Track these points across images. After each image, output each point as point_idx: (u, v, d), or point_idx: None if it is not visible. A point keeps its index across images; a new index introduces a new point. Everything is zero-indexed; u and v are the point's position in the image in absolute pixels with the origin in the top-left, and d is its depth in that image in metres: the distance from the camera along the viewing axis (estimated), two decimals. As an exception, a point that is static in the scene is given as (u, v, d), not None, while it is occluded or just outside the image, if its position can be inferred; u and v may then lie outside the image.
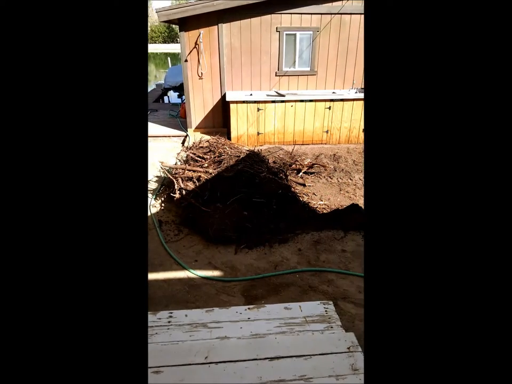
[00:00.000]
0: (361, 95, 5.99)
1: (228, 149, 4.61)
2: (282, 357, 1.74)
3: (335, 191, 4.55)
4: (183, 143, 6.29)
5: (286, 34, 6.16)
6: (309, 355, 1.76)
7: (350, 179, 4.92)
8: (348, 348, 1.81)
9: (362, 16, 6.11)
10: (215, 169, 4.12)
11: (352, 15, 6.12)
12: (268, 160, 4.79)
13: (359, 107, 6.06)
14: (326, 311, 2.17)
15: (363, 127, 6.13)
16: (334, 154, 5.73)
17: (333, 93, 6.24)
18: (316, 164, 5.18)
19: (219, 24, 5.91)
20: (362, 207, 3.75)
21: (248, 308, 2.17)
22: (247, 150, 4.80)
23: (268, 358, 1.73)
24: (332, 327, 2.03)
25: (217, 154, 4.43)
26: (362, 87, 6.59)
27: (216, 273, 2.81)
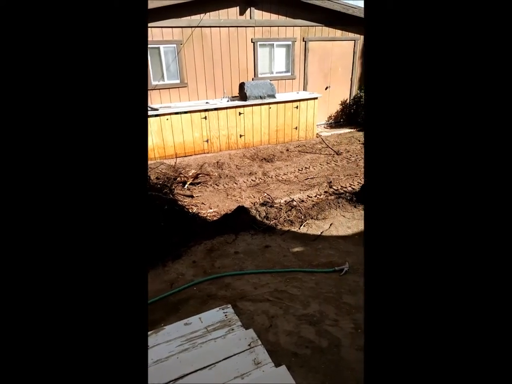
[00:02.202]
0: (234, 103, 6.32)
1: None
2: (187, 375, 1.71)
3: (223, 196, 4.68)
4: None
5: (149, 47, 6.05)
6: (213, 364, 1.77)
7: (235, 183, 5.13)
8: (249, 345, 1.89)
9: (222, 29, 6.45)
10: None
11: (211, 28, 6.39)
12: (150, 177, 4.62)
13: (233, 114, 6.38)
14: (225, 315, 2.22)
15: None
16: (217, 162, 5.88)
17: (206, 103, 6.40)
18: (201, 174, 5.23)
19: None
20: (250, 207, 3.96)
21: (145, 335, 2.04)
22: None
23: (171, 381, 1.67)
24: (233, 329, 2.08)
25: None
26: (234, 95, 6.95)
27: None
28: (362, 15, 7.39)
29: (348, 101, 8.41)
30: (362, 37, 7.87)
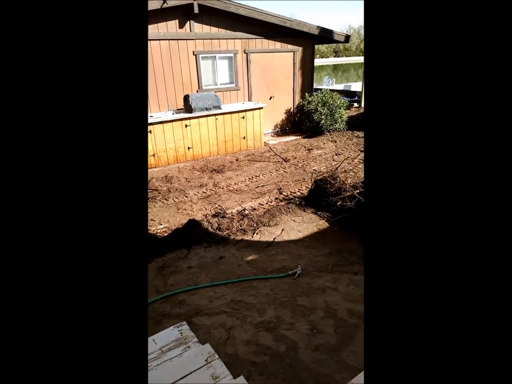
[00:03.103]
0: (179, 115, 6.24)
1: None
2: (141, 401, 1.62)
3: (173, 211, 4.57)
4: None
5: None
6: (169, 385, 1.71)
7: (186, 196, 5.04)
8: (206, 360, 1.85)
9: (163, 42, 6.38)
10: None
11: (151, 41, 6.29)
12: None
13: (179, 127, 6.29)
14: (181, 333, 2.15)
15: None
16: (166, 176, 5.75)
17: (150, 116, 6.25)
18: (149, 189, 5.06)
19: None
20: (201, 219, 3.91)
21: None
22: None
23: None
24: (189, 347, 2.02)
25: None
26: (179, 107, 6.87)
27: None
28: (299, 28, 7.78)
29: (292, 110, 8.73)
30: (300, 48, 8.25)
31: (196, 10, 6.30)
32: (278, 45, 7.95)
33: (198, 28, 6.76)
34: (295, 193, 4.99)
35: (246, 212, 4.19)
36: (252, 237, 3.72)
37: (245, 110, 7.00)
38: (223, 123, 6.80)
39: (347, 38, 8.82)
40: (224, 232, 3.71)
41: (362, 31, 52.62)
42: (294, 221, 4.08)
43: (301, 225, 3.98)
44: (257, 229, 3.83)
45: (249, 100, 7.91)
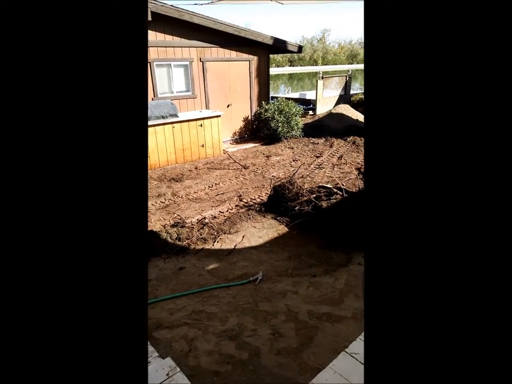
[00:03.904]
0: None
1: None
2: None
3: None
4: None
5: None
6: (128, 405, 1.64)
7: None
8: (167, 374, 1.80)
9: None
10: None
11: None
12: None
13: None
14: (140, 349, 2.08)
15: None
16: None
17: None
18: (103, 201, 4.85)
19: None
20: (160, 230, 3.81)
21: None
22: None
23: None
24: (149, 362, 1.96)
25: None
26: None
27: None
28: (253, 38, 7.94)
29: (249, 117, 8.84)
30: (256, 57, 8.42)
31: (149, 17, 6.21)
32: (233, 53, 8.04)
33: (152, 35, 6.66)
34: (255, 199, 5.05)
35: (206, 220, 4.16)
36: (213, 245, 3.70)
37: (203, 118, 6.97)
38: (181, 131, 6.71)
39: (300, 48, 9.15)
40: (184, 242, 3.65)
41: (315, 42, 54.83)
42: (254, 227, 4.12)
43: (261, 231, 4.03)
44: (218, 237, 3.82)
45: (207, 107, 7.90)
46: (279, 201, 4.41)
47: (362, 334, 1.65)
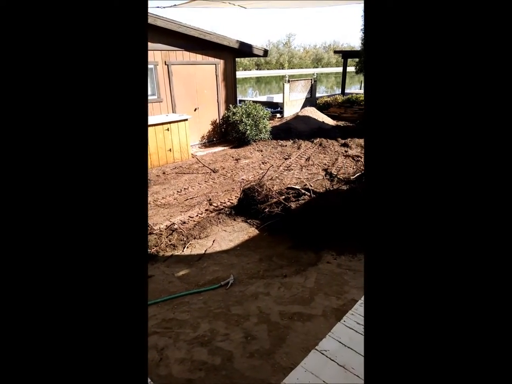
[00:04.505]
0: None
1: None
2: None
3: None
4: None
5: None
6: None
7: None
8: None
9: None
10: None
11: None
12: None
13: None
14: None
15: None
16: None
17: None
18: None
19: None
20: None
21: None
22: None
23: None
24: (117, 376, 1.89)
25: None
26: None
27: None
28: (219, 41, 7.93)
29: (217, 121, 8.81)
30: (222, 61, 8.41)
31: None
32: (199, 57, 7.99)
33: (113, 37, 6.47)
34: (225, 203, 5.03)
35: (175, 226, 4.08)
36: (183, 251, 3.64)
37: (169, 122, 6.86)
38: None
39: (265, 52, 9.26)
40: (153, 249, 3.56)
41: (280, 46, 55.67)
42: (225, 231, 4.10)
43: (232, 234, 4.02)
44: (188, 242, 3.76)
45: (173, 111, 7.78)
46: (249, 204, 4.42)
47: (332, 330, 1.69)
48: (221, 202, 5.08)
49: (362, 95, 12.07)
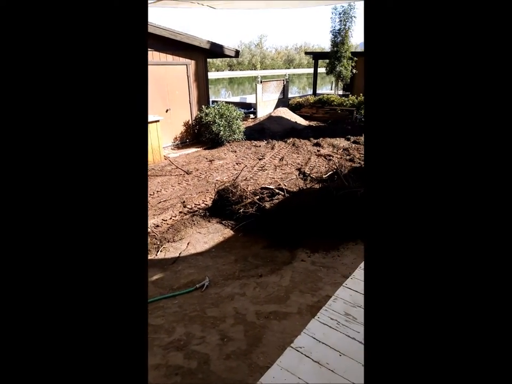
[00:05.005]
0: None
1: None
2: None
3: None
4: None
5: None
6: None
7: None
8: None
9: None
10: None
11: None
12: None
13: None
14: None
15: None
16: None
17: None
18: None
19: None
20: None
21: None
22: None
23: None
24: None
25: None
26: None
27: None
28: (189, 42, 7.85)
29: (190, 122, 8.71)
30: (193, 61, 8.33)
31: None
32: (170, 57, 7.87)
33: (79, 36, 6.24)
34: (199, 205, 4.98)
35: (148, 229, 3.99)
36: (156, 255, 3.57)
37: (140, 124, 6.70)
38: (117, 138, 6.38)
39: (237, 53, 9.26)
40: (125, 254, 3.47)
41: (252, 47, 55.88)
42: (199, 233, 4.06)
43: (207, 236, 3.98)
44: (162, 246, 3.69)
45: (144, 113, 7.61)
46: (223, 205, 4.40)
47: (306, 327, 1.71)
48: (195, 204, 5.02)
49: (333, 96, 12.35)
